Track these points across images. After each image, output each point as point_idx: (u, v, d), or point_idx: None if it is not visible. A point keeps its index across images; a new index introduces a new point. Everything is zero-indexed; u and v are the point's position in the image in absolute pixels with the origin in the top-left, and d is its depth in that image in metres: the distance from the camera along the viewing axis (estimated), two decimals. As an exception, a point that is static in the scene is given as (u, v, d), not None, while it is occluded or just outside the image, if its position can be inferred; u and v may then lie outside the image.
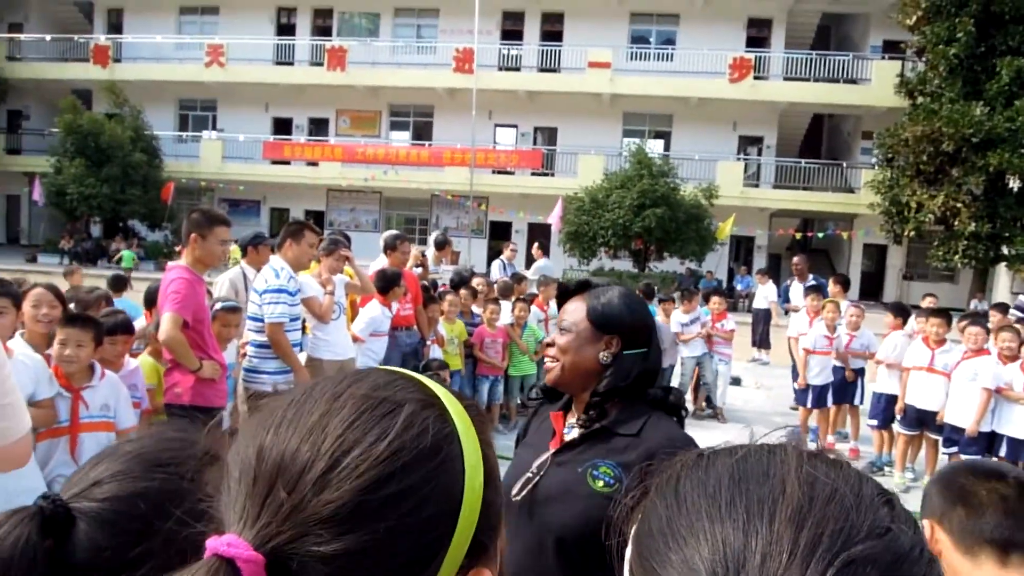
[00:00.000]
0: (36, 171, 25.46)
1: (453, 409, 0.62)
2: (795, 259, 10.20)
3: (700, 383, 8.63)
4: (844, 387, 7.22)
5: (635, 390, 1.65)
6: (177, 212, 25.09)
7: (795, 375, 7.68)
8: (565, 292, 1.78)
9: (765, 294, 12.98)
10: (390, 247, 6.35)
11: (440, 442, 0.58)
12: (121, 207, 24.45)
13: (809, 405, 7.27)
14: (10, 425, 1.83)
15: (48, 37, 28.30)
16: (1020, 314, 7.06)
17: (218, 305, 4.69)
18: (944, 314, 6.30)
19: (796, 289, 9.72)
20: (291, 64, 27.53)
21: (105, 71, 27.09)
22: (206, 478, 0.74)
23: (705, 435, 7.47)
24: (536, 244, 12.79)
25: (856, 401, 7.30)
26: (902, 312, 7.01)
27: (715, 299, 8.76)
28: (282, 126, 28.62)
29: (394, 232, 6.62)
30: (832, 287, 8.56)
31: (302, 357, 4.86)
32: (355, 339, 5.89)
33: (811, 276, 9.74)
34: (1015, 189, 18.12)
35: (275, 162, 27.48)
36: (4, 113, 29.89)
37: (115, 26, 29.39)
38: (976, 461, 1.42)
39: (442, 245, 6.42)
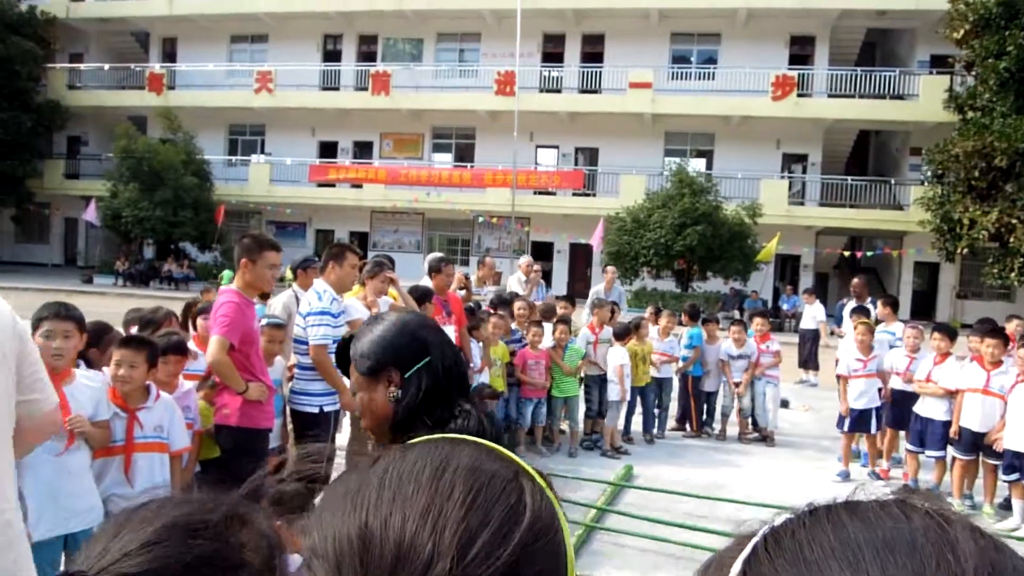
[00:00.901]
0: (93, 195, 26.42)
1: (537, 478, 0.58)
2: (855, 280, 9.85)
3: (740, 407, 8.47)
4: (901, 412, 6.83)
5: (437, 407, 1.51)
6: (226, 234, 25.79)
7: None
8: (344, 349, 1.68)
9: (812, 314, 12.73)
10: (435, 270, 6.39)
11: (552, 519, 0.54)
12: (173, 229, 25.20)
13: (846, 429, 6.91)
14: (40, 398, 2.01)
15: (106, 66, 29.49)
16: None
17: (263, 321, 4.80)
18: (1000, 334, 6.11)
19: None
20: (337, 89, 28.17)
21: (159, 98, 28.08)
22: (243, 540, 0.73)
23: (753, 461, 7.32)
24: (604, 266, 12.30)
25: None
26: (950, 332, 6.71)
27: (758, 320, 8.53)
28: (328, 149, 29.24)
29: (439, 255, 6.68)
30: (881, 309, 8.22)
31: (347, 380, 4.93)
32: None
33: (870, 299, 9.37)
34: (1073, 205, 17.53)
35: (321, 184, 28.06)
36: (64, 139, 31.19)
37: (169, 55, 30.51)
38: None
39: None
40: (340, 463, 5.72)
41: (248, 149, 29.82)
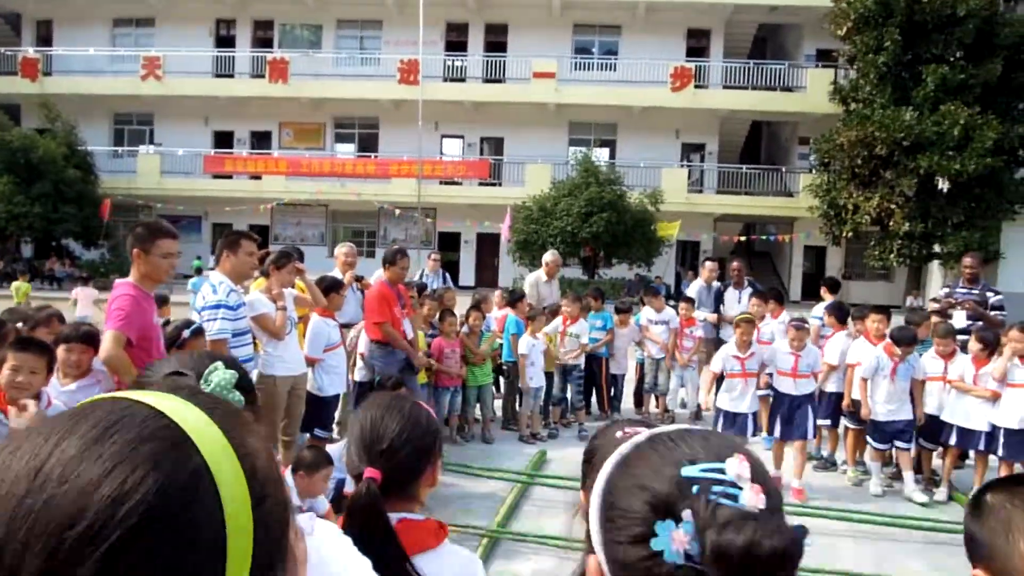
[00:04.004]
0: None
1: (198, 433, 0.55)
2: (734, 264, 9.14)
3: (643, 388, 8.55)
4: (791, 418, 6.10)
5: None
6: (114, 230, 24.30)
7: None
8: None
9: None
10: (389, 262, 6.29)
11: (183, 487, 0.52)
12: (54, 226, 23.54)
13: (748, 434, 6.13)
14: None
15: (-28, 50, 27.19)
16: (936, 306, 7.26)
17: (186, 333, 4.52)
18: (883, 310, 6.52)
19: (731, 296, 8.72)
20: (231, 76, 26.98)
21: (35, 85, 26.13)
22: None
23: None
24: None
25: (809, 435, 6.13)
26: (841, 312, 7.03)
27: (684, 305, 8.50)
28: (223, 140, 28.03)
29: (395, 248, 6.59)
30: (755, 305, 7.65)
31: (253, 374, 4.72)
32: (312, 361, 5.74)
33: (747, 281, 8.93)
34: (944, 190, 18.89)
35: (216, 176, 26.87)
36: (-75, 130, 28.55)
37: (44, 38, 28.39)
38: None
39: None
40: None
41: (136, 140, 28.16)
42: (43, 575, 0.46)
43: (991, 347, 5.74)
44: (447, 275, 10.18)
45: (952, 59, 19.22)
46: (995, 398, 5.58)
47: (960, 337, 6.27)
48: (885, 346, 5.99)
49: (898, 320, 6.63)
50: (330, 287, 5.88)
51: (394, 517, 1.41)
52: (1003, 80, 19.11)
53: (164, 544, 0.49)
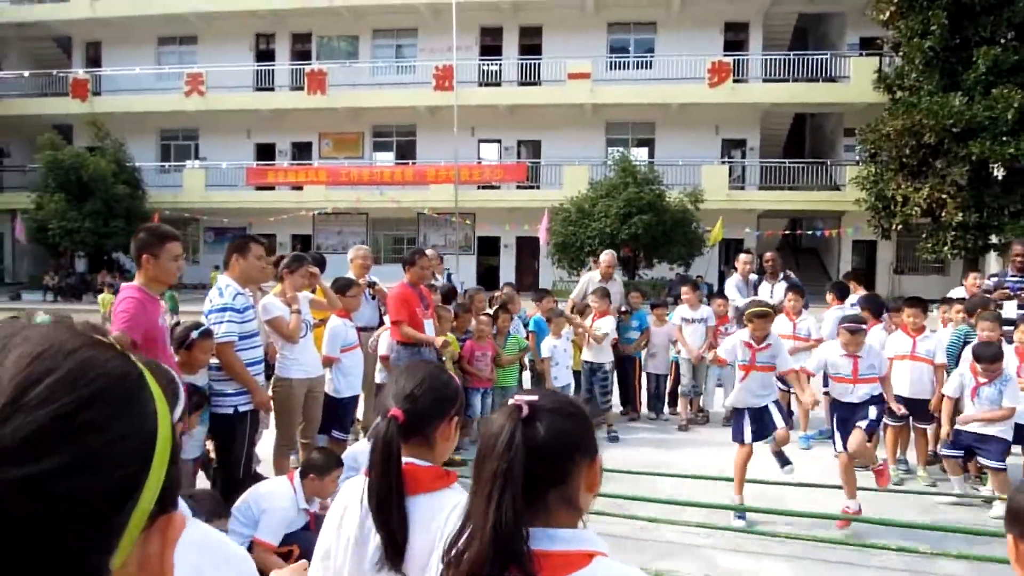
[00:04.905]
0: (17, 208, 25.30)
1: (140, 365, 0.61)
2: (768, 254, 8.71)
3: (679, 390, 8.21)
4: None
5: None
6: (162, 243, 24.92)
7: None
8: None
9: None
10: (409, 263, 6.31)
11: (132, 383, 0.58)
12: (105, 240, 24.28)
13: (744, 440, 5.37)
14: None
15: (26, 73, 28.26)
16: (987, 295, 6.83)
17: (194, 334, 4.53)
18: (920, 303, 6.18)
19: (764, 289, 8.29)
20: (271, 90, 27.51)
21: (85, 104, 27.03)
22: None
23: (696, 439, 7.23)
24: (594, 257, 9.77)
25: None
26: (875, 305, 6.63)
27: (718, 301, 8.20)
28: (265, 152, 28.56)
29: (414, 248, 6.61)
30: (792, 299, 7.27)
31: (259, 378, 4.68)
32: (329, 360, 5.72)
33: (782, 274, 8.44)
34: (999, 177, 18.09)
35: (259, 188, 27.39)
36: (-15, 152, 29.83)
37: (93, 59, 29.40)
38: None
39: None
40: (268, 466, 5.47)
41: (181, 155, 28.92)
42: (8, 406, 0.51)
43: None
44: (451, 275, 9.98)
45: (1003, 40, 18.42)
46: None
47: (1006, 328, 5.90)
48: (971, 364, 5.39)
49: (935, 314, 6.29)
50: (342, 287, 5.85)
51: (403, 461, 1.60)
52: (1059, 60, 18.26)
53: (113, 418, 0.54)
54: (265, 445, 5.61)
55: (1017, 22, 18.16)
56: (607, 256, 8.63)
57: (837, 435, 5.23)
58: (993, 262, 20.91)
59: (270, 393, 5.44)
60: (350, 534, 1.68)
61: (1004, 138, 17.68)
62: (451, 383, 1.80)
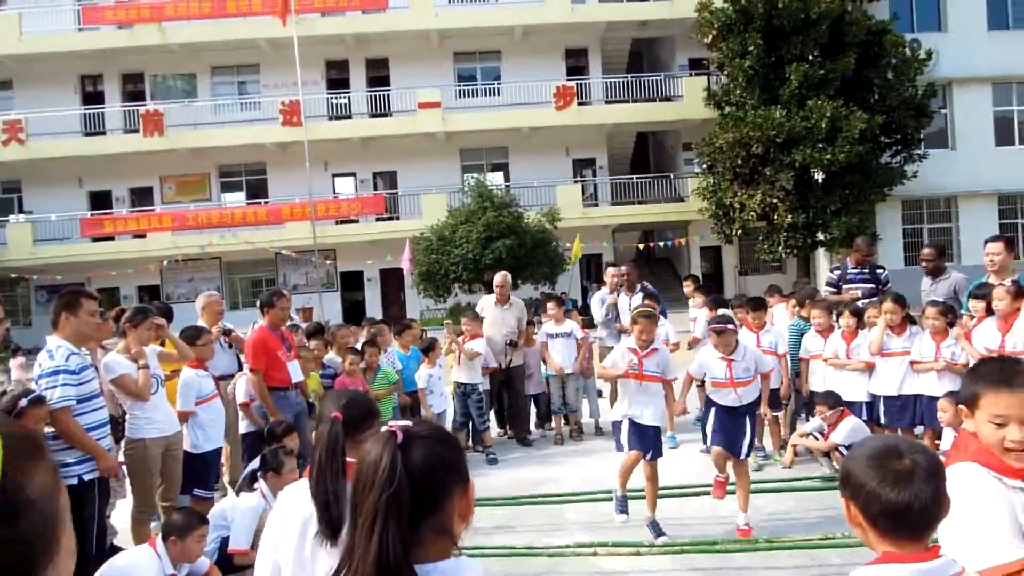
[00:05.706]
0: None
1: None
2: (623, 268, 8.49)
3: (551, 408, 8.34)
4: None
5: None
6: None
7: None
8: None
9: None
10: (266, 305, 6.06)
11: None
12: (-84, 309, 21.68)
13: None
14: None
15: None
16: (832, 289, 7.51)
17: (23, 402, 4.12)
18: (759, 302, 6.74)
19: (624, 301, 8.07)
20: (103, 134, 25.76)
21: None
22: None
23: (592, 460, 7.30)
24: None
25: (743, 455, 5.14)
26: (717, 303, 7.12)
27: (574, 313, 8.55)
28: (100, 200, 26.66)
29: (271, 289, 6.33)
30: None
31: (105, 441, 4.34)
32: (184, 415, 5.39)
33: (639, 286, 8.30)
34: (819, 180, 19.91)
35: (96, 239, 25.49)
36: None
37: None
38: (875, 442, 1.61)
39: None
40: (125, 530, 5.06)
41: (4, 209, 26.44)
42: None
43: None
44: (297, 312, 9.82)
45: (811, 57, 20.38)
46: (869, 369, 5.78)
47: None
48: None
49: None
50: (192, 336, 5.55)
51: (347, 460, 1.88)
52: (857, 74, 20.39)
53: None
54: (121, 513, 5.20)
55: (823, 41, 20.15)
56: (499, 277, 8.65)
57: (710, 432, 5.08)
58: (822, 257, 22.91)
59: (121, 458, 5.06)
60: (294, 526, 2.01)
61: (820, 145, 19.49)
62: (371, 401, 2.44)
